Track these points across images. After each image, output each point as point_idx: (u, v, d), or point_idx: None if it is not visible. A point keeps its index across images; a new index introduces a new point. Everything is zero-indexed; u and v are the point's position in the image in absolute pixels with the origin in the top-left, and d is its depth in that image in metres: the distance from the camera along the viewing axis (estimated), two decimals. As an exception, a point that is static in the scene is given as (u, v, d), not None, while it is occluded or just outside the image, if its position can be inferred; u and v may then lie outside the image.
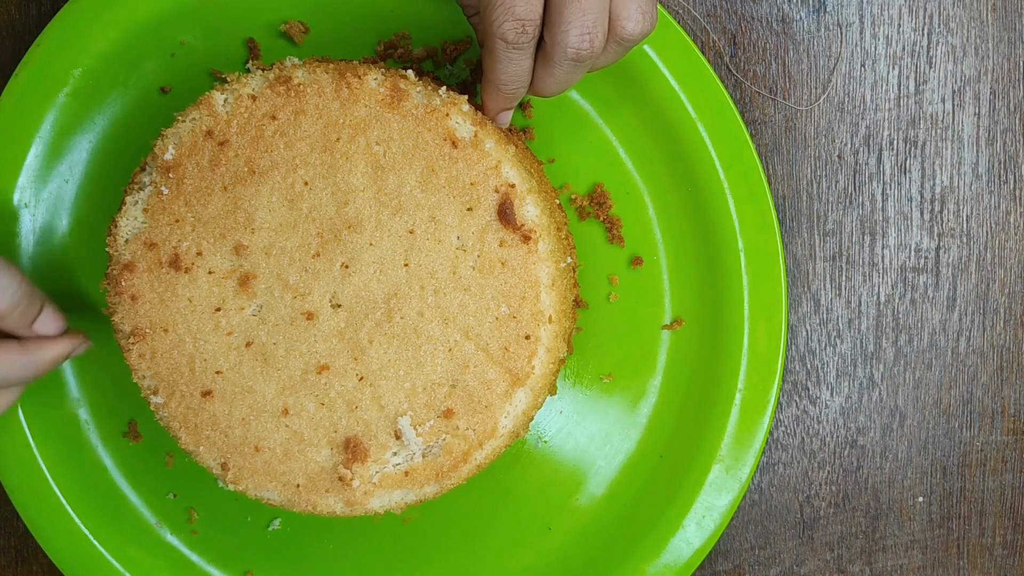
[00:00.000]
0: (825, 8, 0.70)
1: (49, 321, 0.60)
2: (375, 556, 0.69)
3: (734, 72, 0.69)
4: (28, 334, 0.59)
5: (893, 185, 0.71)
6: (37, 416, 0.67)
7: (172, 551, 0.68)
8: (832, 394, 0.71)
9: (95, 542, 0.67)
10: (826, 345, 0.71)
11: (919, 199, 0.71)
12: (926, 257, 0.71)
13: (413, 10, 0.66)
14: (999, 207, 0.71)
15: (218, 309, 0.58)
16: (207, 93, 0.57)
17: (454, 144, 0.57)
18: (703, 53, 0.66)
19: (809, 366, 0.71)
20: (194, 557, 0.68)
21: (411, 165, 0.57)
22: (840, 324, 0.71)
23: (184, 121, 0.58)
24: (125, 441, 0.68)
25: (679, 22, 0.68)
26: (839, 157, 0.70)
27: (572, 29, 0.53)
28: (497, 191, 0.57)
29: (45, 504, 0.67)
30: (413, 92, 0.57)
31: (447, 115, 0.57)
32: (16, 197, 0.67)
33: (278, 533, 0.69)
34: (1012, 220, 0.70)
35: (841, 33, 0.70)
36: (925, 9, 0.70)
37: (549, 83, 0.56)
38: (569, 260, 0.62)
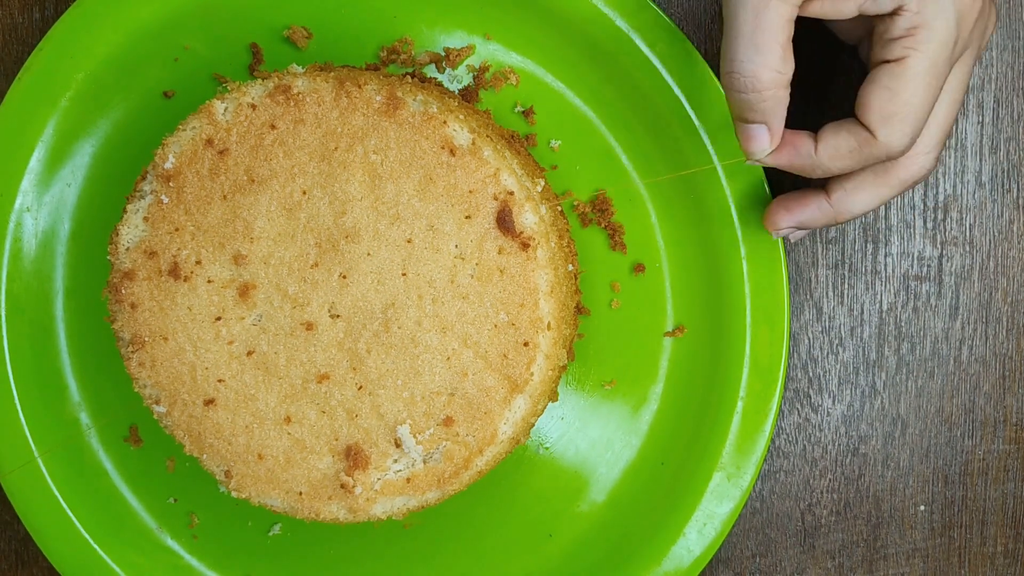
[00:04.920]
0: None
1: None
2: (376, 562, 0.69)
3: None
4: None
5: (896, 193, 0.70)
6: (38, 420, 0.67)
7: (172, 555, 0.68)
8: (834, 402, 0.71)
9: (95, 546, 0.67)
10: (828, 353, 0.71)
11: (922, 207, 0.70)
12: (929, 265, 0.71)
13: (415, 16, 0.66)
14: (1002, 216, 0.70)
15: (218, 318, 0.58)
16: (208, 102, 0.57)
17: (452, 152, 0.57)
18: (706, 58, 0.66)
19: (811, 374, 0.71)
20: (194, 562, 0.68)
21: (408, 174, 0.57)
22: (842, 332, 0.71)
23: (184, 130, 0.58)
24: (126, 445, 0.68)
25: (681, 27, 0.68)
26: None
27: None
28: (496, 199, 0.57)
29: (45, 507, 0.67)
30: (410, 100, 0.57)
31: (444, 123, 0.57)
32: (19, 201, 0.67)
33: (279, 538, 0.69)
34: (1015, 229, 0.70)
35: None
36: (929, 16, 0.70)
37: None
38: (571, 267, 0.62)
